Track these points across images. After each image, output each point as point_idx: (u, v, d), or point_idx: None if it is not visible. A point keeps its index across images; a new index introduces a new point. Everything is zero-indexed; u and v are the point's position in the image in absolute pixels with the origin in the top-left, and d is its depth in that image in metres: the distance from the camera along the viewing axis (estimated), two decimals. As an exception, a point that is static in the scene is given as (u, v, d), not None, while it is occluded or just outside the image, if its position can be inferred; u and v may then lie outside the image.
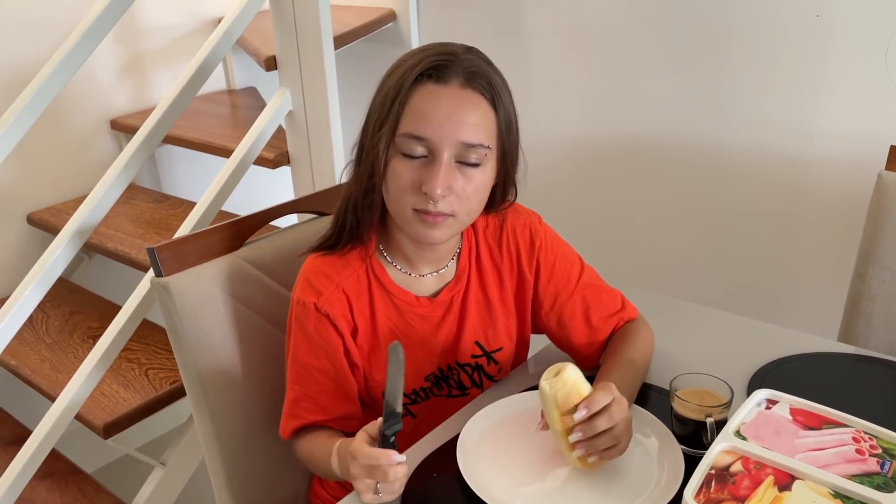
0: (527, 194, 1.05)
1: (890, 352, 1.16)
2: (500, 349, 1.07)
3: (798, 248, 1.66)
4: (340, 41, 1.86)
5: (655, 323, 1.12)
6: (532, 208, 1.08)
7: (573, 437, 0.83)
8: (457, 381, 1.07)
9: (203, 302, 1.08)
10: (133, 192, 2.06)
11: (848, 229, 1.54)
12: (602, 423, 0.81)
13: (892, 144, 1.33)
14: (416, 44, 2.15)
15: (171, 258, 1.07)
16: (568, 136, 1.94)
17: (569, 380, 0.83)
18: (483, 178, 0.90)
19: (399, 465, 0.78)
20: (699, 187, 1.76)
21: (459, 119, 0.86)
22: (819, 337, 1.17)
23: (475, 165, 0.88)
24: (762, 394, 0.88)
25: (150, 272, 1.14)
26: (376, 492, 0.79)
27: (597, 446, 0.82)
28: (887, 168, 1.33)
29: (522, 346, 1.12)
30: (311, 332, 0.97)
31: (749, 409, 0.86)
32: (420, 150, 0.86)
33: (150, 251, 1.06)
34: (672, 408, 0.94)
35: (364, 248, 0.98)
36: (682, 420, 0.93)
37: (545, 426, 0.88)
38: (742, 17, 1.58)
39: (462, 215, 0.91)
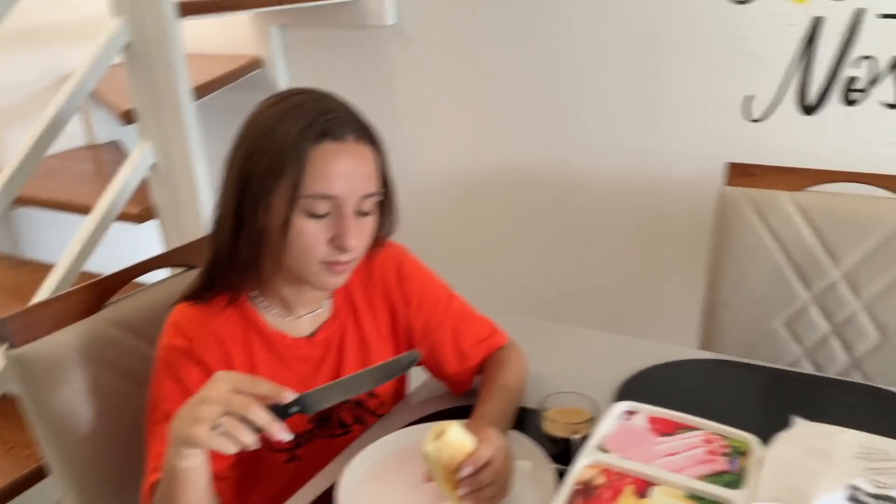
0: (402, 228, 1.08)
1: (746, 354, 1.25)
2: None
3: (657, 263, 1.77)
4: (203, 90, 1.84)
5: (527, 346, 1.16)
6: (407, 241, 1.11)
7: (461, 492, 0.84)
8: (338, 420, 1.07)
9: (61, 371, 1.03)
10: (-11, 258, 1.94)
11: (699, 242, 1.65)
12: (487, 478, 0.83)
13: (729, 161, 1.45)
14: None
15: (22, 328, 1.02)
16: (438, 171, 1.99)
17: (452, 442, 0.84)
18: (372, 223, 0.96)
19: (259, 409, 0.73)
20: (563, 212, 1.85)
21: (360, 174, 0.91)
22: (679, 346, 1.25)
23: (367, 214, 0.94)
24: (622, 406, 0.93)
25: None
26: (214, 427, 0.73)
27: (484, 496, 0.84)
28: (727, 183, 1.45)
29: (401, 379, 1.14)
30: (184, 379, 0.94)
31: (610, 422, 0.91)
32: (326, 208, 0.89)
33: (0, 322, 1.00)
34: (543, 429, 0.98)
35: (236, 295, 0.98)
36: (551, 439, 0.97)
37: (430, 478, 0.89)
38: (587, 49, 1.68)
39: (360, 257, 0.97)
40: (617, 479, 0.81)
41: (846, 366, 1.39)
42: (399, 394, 1.15)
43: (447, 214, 2.02)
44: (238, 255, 0.93)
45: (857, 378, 1.33)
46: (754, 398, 1.11)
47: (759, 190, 1.42)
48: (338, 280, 0.95)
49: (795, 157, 1.51)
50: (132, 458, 1.07)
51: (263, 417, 0.74)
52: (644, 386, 1.13)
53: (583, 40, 1.68)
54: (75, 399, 1.04)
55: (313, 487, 0.96)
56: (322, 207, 0.89)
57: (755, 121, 1.57)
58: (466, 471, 0.82)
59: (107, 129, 2.28)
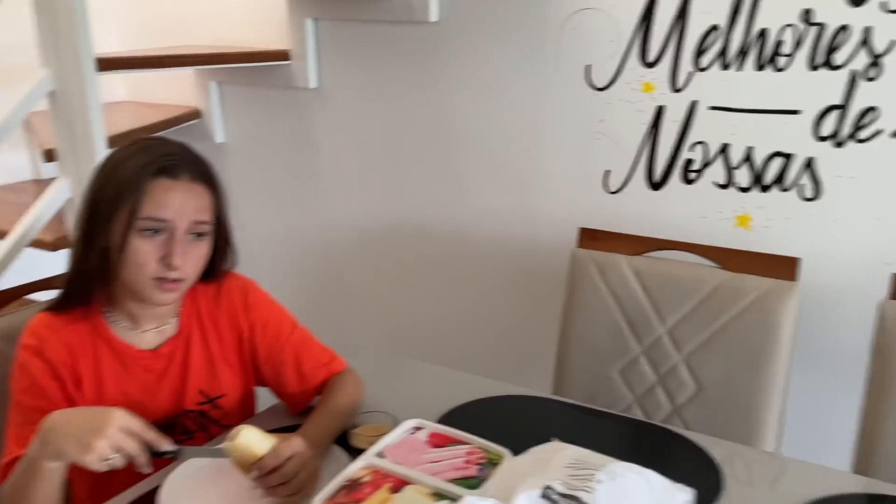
0: (318, 271, 1.24)
1: (589, 399, 1.38)
2: (222, 395, 1.22)
3: (527, 313, 1.94)
4: (140, 133, 2.02)
5: (378, 377, 1.32)
6: (323, 285, 1.27)
7: (254, 489, 0.98)
8: (182, 428, 1.20)
9: None
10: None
11: (558, 299, 1.82)
12: (274, 480, 0.96)
13: (580, 227, 1.64)
14: (220, 139, 2.34)
15: None
16: (349, 219, 2.17)
17: (241, 444, 0.97)
18: (205, 249, 1.13)
19: (145, 455, 0.94)
20: (451, 263, 2.03)
21: (190, 205, 1.08)
22: (506, 383, 1.40)
23: (201, 237, 1.10)
24: (411, 422, 1.09)
25: None
26: (105, 459, 0.90)
27: (278, 494, 0.97)
28: (578, 246, 1.63)
29: (248, 396, 1.28)
30: (34, 374, 1.08)
31: (397, 434, 1.06)
32: (158, 228, 1.06)
33: None
34: (350, 442, 1.13)
35: (88, 309, 1.13)
36: (356, 450, 1.12)
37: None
38: (477, 123, 1.89)
39: (190, 278, 1.11)
40: (380, 478, 0.96)
41: (669, 413, 1.55)
42: (247, 410, 1.29)
43: (355, 259, 2.20)
44: (87, 272, 1.09)
45: (677, 425, 1.49)
46: (545, 428, 1.24)
47: (602, 253, 1.60)
48: (167, 297, 1.09)
49: (646, 225, 1.69)
50: None
51: (144, 461, 0.94)
52: (464, 414, 1.28)
53: (471, 117, 1.89)
54: None
55: (140, 488, 1.07)
56: (154, 226, 1.05)
57: (612, 192, 1.76)
58: (253, 474, 0.97)
59: (51, 165, 2.44)
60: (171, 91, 2.41)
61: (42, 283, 1.35)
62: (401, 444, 1.04)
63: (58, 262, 1.98)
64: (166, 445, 0.97)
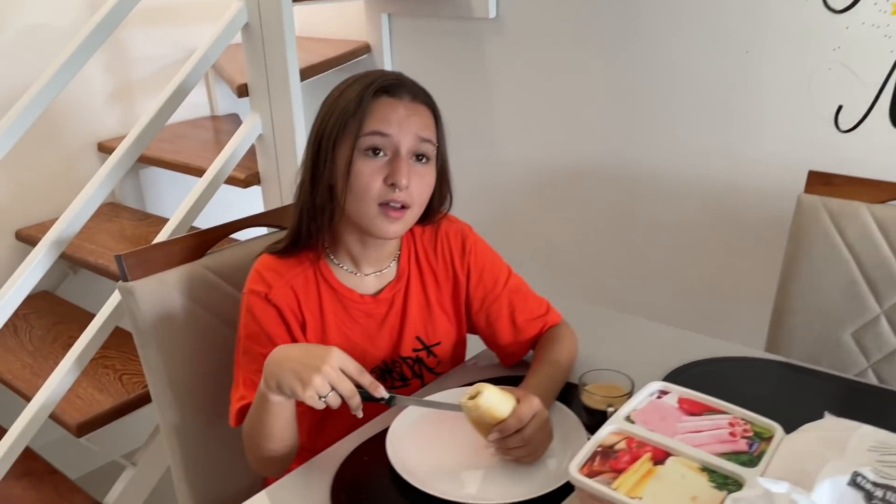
0: (487, 214, 1.17)
1: (810, 363, 1.25)
2: (438, 343, 1.17)
3: (732, 266, 1.77)
4: (313, 71, 1.99)
5: (585, 330, 1.22)
6: (490, 226, 1.20)
7: (488, 448, 0.94)
8: (399, 373, 1.17)
9: (165, 305, 1.18)
10: (118, 210, 2.17)
11: (773, 249, 1.65)
12: (513, 443, 0.93)
13: (810, 170, 1.44)
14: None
15: (136, 265, 1.17)
16: (527, 162, 2.06)
17: (482, 405, 0.92)
18: (430, 176, 1.06)
19: (358, 398, 0.92)
20: (639, 209, 1.88)
21: (413, 120, 1.02)
22: (732, 343, 1.27)
23: (425, 161, 1.04)
24: (655, 385, 0.98)
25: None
26: (319, 394, 0.89)
27: (513, 455, 0.94)
28: (806, 191, 1.45)
29: (460, 344, 1.23)
30: (261, 320, 1.06)
31: (642, 398, 0.96)
32: (382, 146, 1.00)
33: (118, 258, 1.16)
34: (581, 400, 1.04)
35: (314, 251, 1.10)
36: (588, 410, 1.03)
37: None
38: (680, 53, 1.71)
39: (416, 207, 1.05)
40: (637, 446, 0.86)
41: (913, 383, 1.37)
42: (458, 358, 1.24)
43: (528, 203, 2.09)
44: (314, 212, 1.05)
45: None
46: (793, 396, 1.12)
47: (837, 200, 1.41)
48: (392, 228, 1.03)
49: (883, 170, 1.48)
50: (215, 384, 1.21)
51: (356, 403, 0.92)
52: (690, 376, 1.17)
53: (677, 42, 1.71)
54: (173, 330, 1.19)
55: (367, 430, 1.06)
56: (378, 143, 1.00)
57: (844, 131, 1.55)
58: (493, 436, 0.92)
59: (227, 102, 2.48)
60: (341, 25, 2.36)
61: (247, 221, 1.34)
62: (649, 409, 0.94)
63: (248, 200, 2.02)
64: (381, 391, 0.94)
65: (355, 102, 1.01)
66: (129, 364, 1.71)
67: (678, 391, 0.97)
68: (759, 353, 1.25)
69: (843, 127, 1.55)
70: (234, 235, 1.32)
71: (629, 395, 1.01)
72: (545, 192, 2.05)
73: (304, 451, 1.07)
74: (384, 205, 1.02)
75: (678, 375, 1.17)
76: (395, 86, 1.03)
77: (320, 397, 0.89)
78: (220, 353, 1.23)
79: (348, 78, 1.06)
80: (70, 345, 1.80)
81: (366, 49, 2.27)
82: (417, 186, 1.04)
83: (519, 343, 1.18)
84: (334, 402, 0.90)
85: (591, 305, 1.46)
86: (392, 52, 2.27)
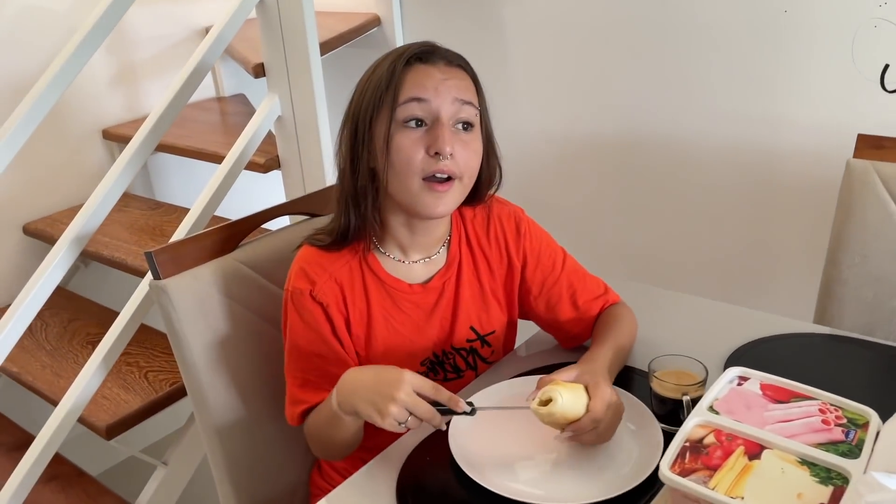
0: (509, 190, 1.11)
1: (863, 333, 1.21)
2: (492, 332, 1.12)
3: (773, 236, 1.72)
4: (326, 47, 1.90)
5: (636, 309, 1.17)
6: (514, 203, 1.14)
7: (558, 437, 0.90)
8: (452, 365, 1.11)
9: (200, 302, 1.12)
10: (126, 199, 2.09)
11: (819, 216, 1.59)
12: (588, 437, 0.90)
13: (859, 133, 1.38)
14: (400, 47, 2.19)
15: (168, 261, 1.11)
16: (549, 132, 1.99)
17: (557, 412, 0.87)
18: (476, 143, 0.99)
19: (439, 418, 0.87)
20: (675, 179, 1.82)
21: (451, 84, 0.95)
22: (791, 318, 1.22)
23: (469, 127, 0.97)
24: (734, 371, 0.93)
25: (149, 276, 1.18)
26: (398, 421, 0.85)
27: (586, 442, 0.91)
28: (855, 156, 1.39)
29: (511, 329, 1.18)
30: (307, 318, 1.01)
31: (722, 385, 0.91)
32: (421, 114, 0.94)
33: (149, 255, 1.10)
34: (651, 388, 0.99)
35: (362, 241, 1.04)
36: (660, 399, 0.98)
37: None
38: (713, 13, 1.64)
39: (465, 179, 0.98)
40: (727, 440, 0.81)
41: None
42: (509, 345, 1.19)
43: (551, 175, 2.03)
44: (356, 200, 0.99)
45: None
46: (871, 375, 1.08)
47: (889, 164, 1.35)
48: (440, 203, 0.96)
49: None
50: (256, 381, 1.17)
51: (438, 422, 0.88)
52: (754, 356, 1.12)
53: (709, 1, 1.63)
54: (210, 327, 1.13)
55: (425, 426, 1.00)
56: (416, 111, 0.93)
57: (890, 91, 1.48)
58: (566, 434, 0.89)
59: (233, 82, 2.39)
60: (348, -2, 2.26)
61: (277, 209, 1.27)
62: (732, 398, 0.89)
63: (268, 186, 1.95)
64: (461, 405, 0.89)
65: (388, 75, 0.95)
66: (153, 361, 1.66)
67: (758, 376, 0.92)
68: (827, 329, 1.20)
69: (890, 87, 1.48)
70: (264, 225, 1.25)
71: (702, 382, 0.96)
72: (569, 163, 1.98)
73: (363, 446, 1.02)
74: (429, 179, 0.95)
75: (741, 357, 1.12)
76: (428, 52, 0.97)
77: (399, 423, 0.86)
78: (260, 351, 1.18)
79: (379, 58, 1.00)
80: (89, 342, 1.76)
81: (376, 22, 2.18)
82: (463, 154, 0.96)
83: (582, 324, 1.13)
84: (415, 424, 0.87)
85: (634, 281, 1.40)
86: (403, 24, 2.18)
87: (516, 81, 2.00)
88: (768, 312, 1.25)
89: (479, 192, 1.06)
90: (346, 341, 1.04)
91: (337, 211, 1.03)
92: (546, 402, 0.89)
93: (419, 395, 0.86)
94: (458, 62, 0.98)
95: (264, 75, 1.59)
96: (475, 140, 0.98)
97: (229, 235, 1.19)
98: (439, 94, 0.94)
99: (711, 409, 0.87)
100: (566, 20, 1.85)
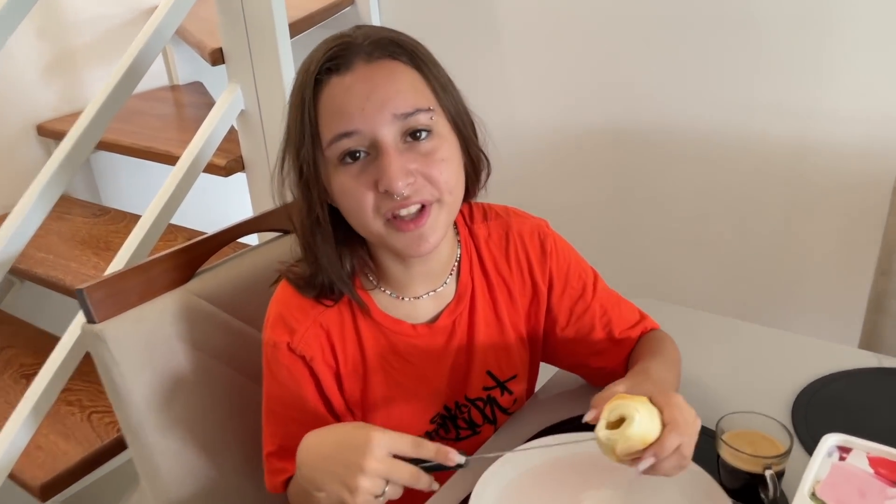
0: (493, 190, 0.90)
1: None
2: (514, 377, 0.93)
3: (804, 243, 1.53)
4: (294, 29, 1.67)
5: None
6: (503, 197, 0.94)
7: (632, 468, 0.70)
8: (467, 420, 0.92)
9: (148, 349, 0.91)
10: (67, 205, 1.85)
11: (862, 220, 1.41)
12: (669, 466, 0.69)
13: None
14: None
15: (105, 299, 0.90)
16: (546, 127, 1.78)
17: (632, 436, 0.68)
18: (442, 146, 0.76)
19: (426, 479, 0.69)
20: (690, 180, 1.62)
21: (380, 95, 0.73)
22: (855, 348, 1.05)
23: (426, 135, 0.75)
24: (831, 440, 0.74)
25: (80, 317, 0.95)
26: (374, 494, 0.68)
27: (663, 472, 0.71)
28: (913, 154, 1.21)
29: (534, 371, 0.99)
30: (285, 376, 0.83)
31: (820, 461, 0.72)
32: (354, 146, 0.73)
33: (80, 293, 0.88)
34: (719, 456, 0.80)
35: (347, 281, 0.83)
36: (732, 471, 0.78)
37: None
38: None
39: (445, 196, 0.77)
40: (847, 545, 0.62)
41: None
42: (531, 388, 1.00)
43: (541, 173, 1.82)
44: (324, 242, 0.79)
45: None
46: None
47: (956, 162, 1.18)
48: (421, 240, 0.76)
49: None
50: (222, 443, 0.97)
51: (426, 484, 0.69)
52: (828, 401, 0.93)
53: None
54: (161, 382, 0.93)
55: (445, 498, 0.81)
56: (347, 145, 0.73)
57: (947, 77, 1.30)
58: (645, 464, 0.68)
59: (189, 68, 2.15)
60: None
61: (243, 226, 1.05)
62: (838, 480, 0.70)
63: (229, 190, 1.72)
64: (453, 457, 0.69)
65: (299, 108, 0.75)
66: (98, 399, 1.42)
67: (863, 446, 0.74)
68: (892, 360, 1.02)
69: (945, 73, 1.30)
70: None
71: (789, 452, 0.77)
72: (567, 156, 1.78)
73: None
74: (392, 219, 0.75)
75: (809, 404, 0.93)
76: (340, 56, 0.73)
77: (377, 496, 0.68)
78: (227, 405, 0.98)
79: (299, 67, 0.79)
80: (23, 375, 1.52)
81: (349, 1, 1.94)
82: (430, 172, 0.75)
83: (619, 357, 0.93)
84: (395, 493, 0.70)
85: (653, 299, 1.20)
86: (380, 2, 1.94)
87: (508, 68, 1.79)
88: (799, 332, 1.07)
89: (468, 191, 0.85)
90: (335, 400, 0.85)
91: (304, 257, 0.83)
92: (616, 424, 0.70)
93: (398, 456, 0.69)
94: (384, 51, 0.75)
95: (223, 62, 1.36)
96: (441, 144, 0.76)
97: (184, 262, 0.98)
98: (367, 116, 0.72)
99: (815, 496, 0.68)
100: (566, 4, 1.64)
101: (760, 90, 1.46)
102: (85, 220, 1.77)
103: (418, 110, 0.74)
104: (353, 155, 0.73)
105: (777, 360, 1.04)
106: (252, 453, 0.96)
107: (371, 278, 0.85)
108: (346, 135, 0.72)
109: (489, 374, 0.90)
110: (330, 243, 0.79)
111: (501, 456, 0.80)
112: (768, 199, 1.55)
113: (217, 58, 1.37)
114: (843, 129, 1.41)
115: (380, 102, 0.72)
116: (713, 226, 1.64)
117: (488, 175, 0.86)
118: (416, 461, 0.69)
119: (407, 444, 0.68)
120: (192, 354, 0.94)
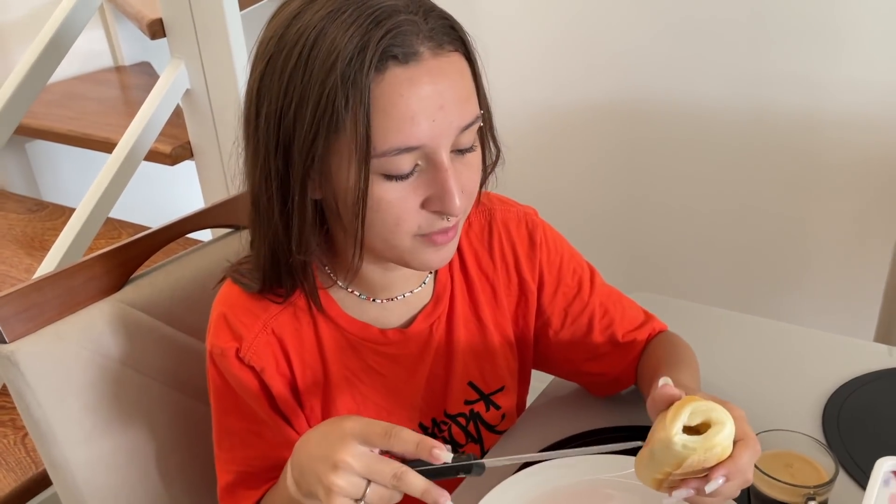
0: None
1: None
2: (501, 388, 0.83)
3: (815, 227, 1.44)
4: (245, 1, 1.53)
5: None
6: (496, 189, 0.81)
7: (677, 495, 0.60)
8: (448, 441, 0.81)
9: (70, 374, 0.79)
10: (2, 200, 1.68)
11: (875, 199, 1.31)
12: (732, 490, 0.60)
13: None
14: None
15: (16, 315, 0.76)
16: (528, 102, 1.67)
17: (718, 445, 0.58)
18: (478, 160, 0.67)
19: (415, 478, 0.56)
20: (689, 156, 1.52)
21: (450, 101, 0.61)
22: (881, 345, 0.95)
23: (472, 145, 0.65)
24: (886, 465, 0.63)
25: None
26: (353, 498, 0.56)
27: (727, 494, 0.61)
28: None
29: (524, 382, 0.88)
30: (234, 387, 0.73)
31: (876, 491, 0.60)
32: (411, 162, 0.61)
33: (-15, 307, 0.73)
34: (754, 485, 0.68)
35: (304, 281, 0.71)
36: (766, 501, 0.67)
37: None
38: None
39: (469, 207, 0.69)
40: None
41: None
42: (522, 404, 0.89)
43: (532, 154, 1.71)
44: (294, 243, 0.65)
45: None
46: None
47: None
48: (442, 254, 0.68)
49: None
50: (163, 477, 0.86)
51: (418, 486, 0.56)
52: (863, 405, 0.83)
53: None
54: (87, 409, 0.80)
55: None
56: (406, 165, 0.61)
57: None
58: (714, 484, 0.58)
59: (135, 47, 1.99)
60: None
61: (187, 222, 0.91)
62: (900, 515, 0.58)
63: (177, 177, 1.57)
64: (439, 454, 0.56)
65: (348, 87, 0.58)
66: (34, 417, 1.27)
67: (924, 472, 0.62)
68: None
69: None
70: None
71: (834, 479, 0.65)
72: (554, 137, 1.68)
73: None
74: (426, 234, 0.65)
75: (840, 409, 0.82)
76: (404, 36, 0.58)
77: (357, 501, 0.57)
78: (167, 429, 0.86)
79: (304, 16, 0.60)
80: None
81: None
82: (468, 184, 0.66)
83: (624, 363, 0.83)
84: (381, 500, 0.57)
85: (663, 296, 1.09)
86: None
87: (489, 42, 1.65)
88: (806, 325, 0.99)
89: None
90: (294, 417, 0.74)
91: (257, 256, 0.70)
92: (695, 430, 0.59)
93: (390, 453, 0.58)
94: (445, 38, 0.61)
95: (164, 35, 1.22)
96: (476, 157, 0.67)
97: (115, 266, 0.85)
98: (436, 130, 0.60)
99: (874, 537, 0.56)
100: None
101: (768, 59, 1.35)
102: (19, 216, 1.61)
103: (475, 122, 0.64)
104: (402, 173, 0.61)
105: (799, 361, 0.94)
106: (202, 489, 0.83)
107: (329, 272, 0.73)
108: (409, 150, 0.60)
109: (471, 385, 0.80)
110: (307, 235, 0.66)
111: (521, 461, 0.65)
112: (776, 179, 1.45)
113: (157, 30, 1.22)
114: (857, 100, 1.31)
115: (451, 115, 0.61)
116: (715, 211, 1.55)
117: (495, 164, 0.74)
118: (415, 462, 0.57)
119: (377, 432, 0.56)
120: (125, 376, 0.81)
